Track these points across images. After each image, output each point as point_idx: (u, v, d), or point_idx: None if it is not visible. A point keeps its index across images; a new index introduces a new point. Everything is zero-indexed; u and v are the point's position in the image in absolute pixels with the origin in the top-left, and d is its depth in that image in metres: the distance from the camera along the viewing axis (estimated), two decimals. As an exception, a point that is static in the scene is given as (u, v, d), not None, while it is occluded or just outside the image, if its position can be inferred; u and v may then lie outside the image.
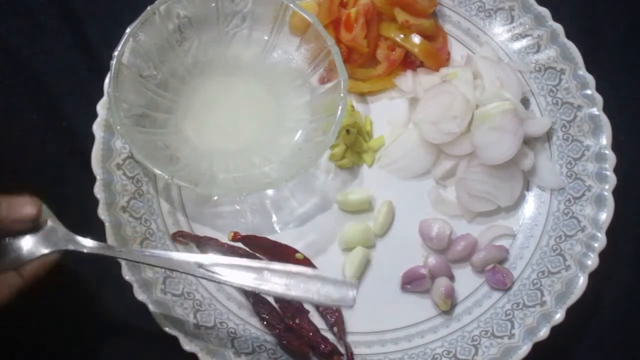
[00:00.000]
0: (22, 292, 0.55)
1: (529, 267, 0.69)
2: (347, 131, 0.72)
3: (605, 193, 0.70)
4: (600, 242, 0.68)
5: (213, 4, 0.70)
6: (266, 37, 0.72)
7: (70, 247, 0.57)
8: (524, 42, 0.77)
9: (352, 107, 0.75)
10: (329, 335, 0.65)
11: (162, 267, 0.59)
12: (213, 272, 0.57)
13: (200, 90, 0.71)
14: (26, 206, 0.54)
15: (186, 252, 0.67)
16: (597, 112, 0.73)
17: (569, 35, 0.75)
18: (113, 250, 0.60)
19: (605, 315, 0.70)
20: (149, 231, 0.68)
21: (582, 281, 0.66)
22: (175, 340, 0.63)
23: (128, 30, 0.66)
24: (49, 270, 0.56)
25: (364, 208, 0.71)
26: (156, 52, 0.69)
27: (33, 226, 0.54)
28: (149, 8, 0.67)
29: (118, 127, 0.64)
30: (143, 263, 0.59)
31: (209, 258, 0.58)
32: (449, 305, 0.67)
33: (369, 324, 0.67)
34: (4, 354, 0.63)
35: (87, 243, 0.58)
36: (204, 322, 0.65)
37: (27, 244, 0.55)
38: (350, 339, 0.66)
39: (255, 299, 0.66)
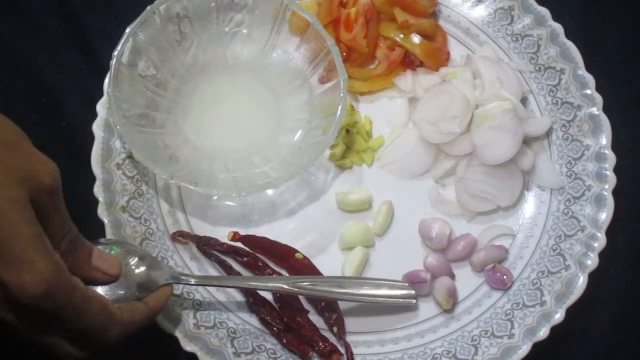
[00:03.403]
0: (150, 320, 0.58)
1: (529, 267, 0.69)
2: (347, 131, 0.72)
3: (605, 193, 0.70)
4: (600, 242, 0.68)
5: (213, 4, 0.70)
6: (266, 37, 0.72)
7: (175, 279, 0.61)
8: (524, 42, 0.77)
9: (352, 107, 0.75)
10: (329, 335, 0.65)
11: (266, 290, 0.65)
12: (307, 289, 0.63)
13: (200, 90, 0.71)
14: (113, 266, 0.56)
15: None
16: (597, 112, 0.73)
17: (569, 35, 0.75)
18: (219, 280, 0.64)
19: (605, 315, 0.70)
20: (149, 231, 0.68)
21: (582, 281, 0.66)
22: (175, 340, 0.63)
23: (128, 30, 0.66)
24: (168, 300, 0.59)
25: (364, 208, 0.71)
26: (156, 52, 0.69)
27: (109, 282, 0.56)
28: (149, 8, 0.67)
29: (118, 127, 0.64)
30: (248, 288, 0.65)
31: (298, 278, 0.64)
32: (451, 305, 0.67)
33: (369, 324, 0.67)
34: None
35: (192, 279, 0.62)
36: (204, 322, 0.65)
37: (143, 278, 0.58)
38: (350, 339, 0.66)
39: (255, 299, 0.66)
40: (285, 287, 0.62)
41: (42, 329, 0.51)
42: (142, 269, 0.58)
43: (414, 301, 0.65)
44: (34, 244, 0.46)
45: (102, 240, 0.60)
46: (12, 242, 0.46)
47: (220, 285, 0.64)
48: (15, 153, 0.49)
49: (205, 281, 0.64)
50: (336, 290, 0.63)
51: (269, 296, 0.67)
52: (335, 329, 0.65)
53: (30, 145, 0.51)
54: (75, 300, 0.49)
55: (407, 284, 0.66)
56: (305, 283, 0.63)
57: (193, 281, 0.62)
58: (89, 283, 0.53)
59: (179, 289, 0.65)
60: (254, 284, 0.63)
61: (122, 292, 0.56)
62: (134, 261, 0.58)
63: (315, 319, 0.66)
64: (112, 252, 0.57)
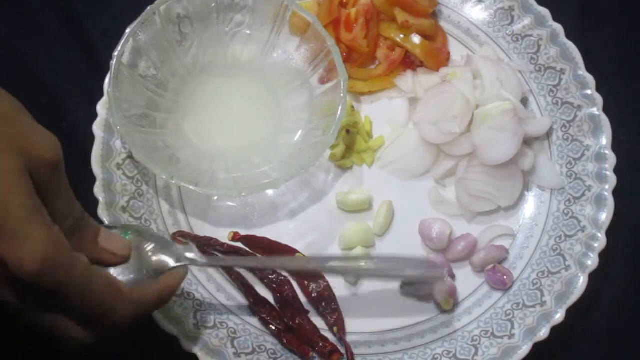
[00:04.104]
0: (163, 301, 0.55)
1: (529, 267, 0.69)
2: (347, 131, 0.72)
3: (605, 193, 0.70)
4: (600, 242, 0.68)
5: (213, 4, 0.70)
6: (266, 37, 0.72)
7: (188, 260, 0.58)
8: (524, 42, 0.77)
9: (352, 107, 0.75)
10: (329, 335, 0.65)
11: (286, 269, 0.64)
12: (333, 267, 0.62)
13: (200, 90, 0.71)
14: (122, 247, 0.53)
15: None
16: (597, 112, 0.73)
17: (569, 35, 0.75)
18: (234, 260, 0.63)
19: (605, 315, 0.70)
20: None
21: (582, 281, 0.66)
22: (175, 340, 0.63)
23: (128, 30, 0.66)
24: (181, 281, 0.56)
25: (364, 208, 0.71)
26: (156, 52, 0.69)
27: (117, 263, 0.54)
28: (149, 8, 0.67)
29: (118, 127, 0.64)
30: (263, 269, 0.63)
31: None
32: (451, 305, 0.67)
33: (369, 324, 0.67)
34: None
35: (203, 259, 0.59)
36: (204, 322, 0.65)
37: (160, 264, 0.56)
38: (350, 339, 0.66)
39: (255, 299, 0.66)
40: (308, 266, 0.61)
41: (45, 310, 0.48)
42: (160, 255, 0.56)
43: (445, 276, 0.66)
44: (29, 216, 0.44)
45: (118, 225, 0.59)
46: (5, 215, 0.43)
47: (236, 264, 0.62)
48: (13, 125, 0.47)
49: (217, 261, 0.61)
50: (368, 266, 0.63)
51: (269, 296, 0.67)
52: (335, 329, 0.65)
53: (30, 119, 0.48)
54: (75, 275, 0.46)
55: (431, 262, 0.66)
56: (335, 262, 0.62)
57: (206, 261, 0.60)
58: (97, 264, 0.51)
59: (178, 289, 0.65)
60: (271, 264, 0.62)
61: (133, 276, 0.53)
62: (150, 247, 0.56)
63: (315, 319, 0.66)
64: (126, 237, 0.55)
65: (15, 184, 0.44)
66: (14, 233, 0.44)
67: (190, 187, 0.63)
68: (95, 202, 0.66)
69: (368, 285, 0.69)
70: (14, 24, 0.79)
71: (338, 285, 0.68)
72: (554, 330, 0.65)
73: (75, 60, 0.78)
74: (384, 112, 0.76)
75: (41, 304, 0.48)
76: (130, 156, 0.69)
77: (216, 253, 0.68)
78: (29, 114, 0.49)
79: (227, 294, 0.67)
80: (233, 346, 0.64)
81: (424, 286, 0.67)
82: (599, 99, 0.73)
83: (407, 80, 0.76)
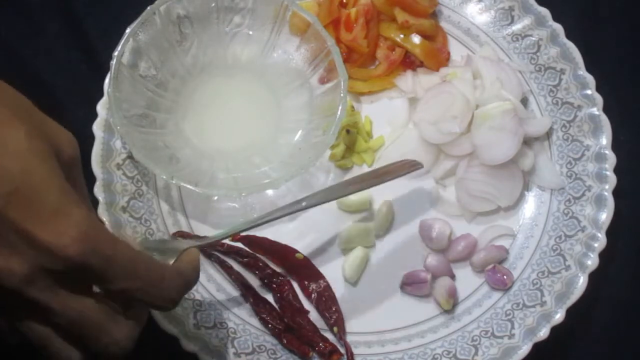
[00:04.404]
0: (195, 270, 0.52)
1: (529, 267, 0.69)
2: (347, 131, 0.72)
3: (605, 193, 0.70)
4: (600, 242, 0.68)
5: (213, 4, 0.70)
6: (266, 37, 0.72)
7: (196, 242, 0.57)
8: (524, 42, 0.77)
9: (352, 107, 0.75)
10: (329, 335, 0.65)
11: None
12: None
13: (200, 90, 0.71)
14: (133, 243, 0.50)
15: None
16: (597, 112, 0.73)
17: (569, 35, 0.75)
18: (239, 226, 0.61)
19: (605, 315, 0.70)
20: (149, 231, 0.68)
21: (582, 281, 0.66)
22: (175, 340, 0.63)
23: (128, 30, 0.66)
24: (198, 261, 0.53)
25: (364, 208, 0.71)
26: (156, 52, 0.69)
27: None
28: (149, 8, 0.67)
29: (118, 127, 0.64)
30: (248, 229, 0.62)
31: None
32: (451, 305, 0.67)
33: (369, 324, 0.67)
34: None
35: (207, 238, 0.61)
36: (204, 322, 0.65)
37: (167, 247, 0.55)
38: (350, 339, 0.66)
39: (255, 298, 0.66)
40: (304, 203, 0.62)
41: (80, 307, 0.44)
42: (168, 245, 0.56)
43: (422, 166, 0.68)
44: (68, 196, 0.43)
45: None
46: (45, 195, 0.42)
47: (243, 229, 0.62)
48: (37, 116, 0.46)
49: (223, 235, 0.61)
50: (351, 187, 0.64)
51: (269, 296, 0.67)
52: (335, 329, 0.65)
53: (46, 116, 0.48)
54: (122, 250, 0.44)
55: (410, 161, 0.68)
56: (318, 196, 0.63)
57: (211, 240, 0.60)
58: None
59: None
60: (268, 218, 0.61)
61: None
62: (155, 246, 0.55)
63: (315, 319, 0.66)
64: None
65: (50, 165, 0.43)
66: (55, 213, 0.42)
67: (190, 187, 0.63)
68: (95, 202, 0.66)
69: (368, 285, 0.69)
70: (14, 24, 0.79)
71: (338, 285, 0.68)
72: (554, 330, 0.65)
73: (75, 60, 0.78)
74: (384, 112, 0.76)
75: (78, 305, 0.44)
76: (130, 156, 0.69)
77: (216, 253, 0.68)
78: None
79: (227, 294, 0.67)
80: (233, 346, 0.64)
81: (424, 286, 0.67)
82: (599, 99, 0.73)
83: (407, 80, 0.76)
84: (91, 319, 0.45)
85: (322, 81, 0.70)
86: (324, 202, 0.63)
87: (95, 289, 0.46)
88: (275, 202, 0.71)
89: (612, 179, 0.70)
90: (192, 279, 0.51)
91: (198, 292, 0.66)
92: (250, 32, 0.72)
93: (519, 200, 0.72)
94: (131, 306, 0.48)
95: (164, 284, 0.47)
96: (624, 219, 0.72)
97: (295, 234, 0.70)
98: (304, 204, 0.62)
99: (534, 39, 0.77)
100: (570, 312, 0.66)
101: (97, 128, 0.69)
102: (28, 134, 0.44)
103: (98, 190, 0.67)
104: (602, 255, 0.68)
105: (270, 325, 0.65)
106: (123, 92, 0.65)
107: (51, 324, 0.44)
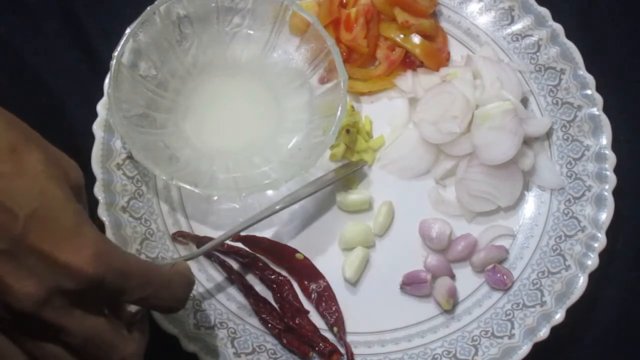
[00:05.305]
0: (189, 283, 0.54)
1: (529, 267, 0.69)
2: (347, 131, 0.72)
3: (605, 193, 0.70)
4: (600, 242, 0.68)
5: (213, 4, 0.70)
6: (266, 37, 0.72)
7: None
8: (524, 42, 0.77)
9: (352, 107, 0.75)
10: (329, 335, 0.65)
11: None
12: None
13: (200, 90, 0.71)
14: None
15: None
16: (597, 112, 0.73)
17: (569, 35, 0.75)
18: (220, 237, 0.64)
19: (605, 315, 0.70)
20: (149, 231, 0.68)
21: (582, 281, 0.66)
22: (175, 340, 0.63)
23: (128, 30, 0.66)
24: (189, 272, 0.55)
25: (364, 208, 0.71)
26: (156, 52, 0.69)
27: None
28: (149, 8, 0.67)
29: (118, 127, 0.64)
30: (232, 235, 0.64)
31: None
32: (451, 305, 0.67)
33: (369, 324, 0.67)
34: None
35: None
36: (204, 322, 0.65)
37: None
38: (350, 339, 0.66)
39: (255, 298, 0.66)
40: (277, 207, 0.65)
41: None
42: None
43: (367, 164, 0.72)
44: (82, 217, 0.45)
45: None
46: (62, 217, 0.43)
47: (222, 240, 0.64)
48: (48, 146, 0.48)
49: (204, 247, 0.63)
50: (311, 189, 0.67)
51: (269, 296, 0.67)
52: (335, 329, 0.65)
53: (49, 144, 0.50)
54: (134, 263, 0.46)
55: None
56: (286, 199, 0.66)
57: (197, 253, 0.63)
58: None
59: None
60: (243, 227, 0.64)
61: None
62: None
63: (315, 319, 0.66)
64: None
65: (64, 189, 0.45)
66: (71, 233, 0.43)
67: (190, 187, 0.63)
68: (95, 202, 0.66)
69: (368, 285, 0.69)
70: (14, 24, 0.79)
71: (338, 285, 0.68)
72: (554, 330, 0.65)
73: (75, 60, 0.78)
74: (384, 112, 0.76)
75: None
76: (130, 156, 0.69)
77: (216, 253, 0.68)
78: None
79: (227, 294, 0.67)
80: (233, 346, 0.64)
81: (424, 286, 0.67)
82: (599, 99, 0.73)
83: (407, 80, 0.76)
84: (103, 338, 0.46)
85: (322, 81, 0.70)
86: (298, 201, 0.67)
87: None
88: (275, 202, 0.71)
89: (612, 179, 0.70)
90: (191, 278, 0.54)
91: (198, 292, 0.66)
92: (250, 32, 0.72)
93: (519, 200, 0.72)
94: (135, 322, 0.50)
95: (172, 286, 0.50)
96: (624, 219, 0.72)
97: (295, 234, 0.70)
98: (277, 207, 0.65)
99: (534, 39, 0.77)
100: (570, 312, 0.66)
101: (97, 128, 0.69)
102: (44, 158, 0.45)
103: (98, 190, 0.67)
104: (602, 255, 0.68)
105: (270, 325, 0.65)
106: (123, 92, 0.65)
107: (63, 344, 0.45)
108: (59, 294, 0.43)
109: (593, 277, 0.67)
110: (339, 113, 0.66)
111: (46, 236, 0.43)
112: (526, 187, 0.73)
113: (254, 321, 0.66)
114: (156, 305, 0.50)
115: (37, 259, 0.43)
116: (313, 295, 0.67)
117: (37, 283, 0.43)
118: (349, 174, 0.71)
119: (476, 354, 0.65)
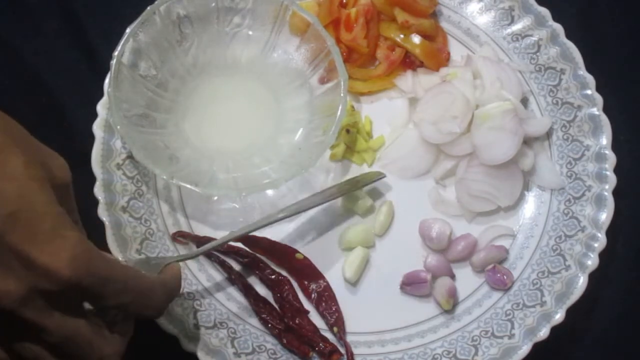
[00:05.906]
0: (175, 289, 0.56)
1: (529, 267, 0.69)
2: (347, 131, 0.72)
3: (605, 193, 0.70)
4: (600, 242, 0.68)
5: (213, 4, 0.70)
6: (266, 37, 0.72)
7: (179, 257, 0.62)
8: (524, 42, 0.77)
9: (352, 107, 0.75)
10: (329, 335, 0.65)
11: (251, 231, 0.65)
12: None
13: (200, 90, 0.71)
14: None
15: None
16: (597, 112, 0.73)
17: (569, 35, 0.75)
18: (216, 242, 0.64)
19: (605, 315, 0.70)
20: (149, 231, 0.68)
21: (582, 281, 0.66)
22: (175, 340, 0.63)
23: (128, 30, 0.66)
24: (180, 274, 0.58)
25: (364, 208, 0.71)
26: (156, 52, 0.69)
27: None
28: (149, 8, 0.67)
29: (118, 127, 0.64)
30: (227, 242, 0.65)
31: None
32: (451, 305, 0.67)
33: (369, 324, 0.67)
34: None
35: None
36: (204, 322, 0.65)
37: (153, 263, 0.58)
38: (350, 339, 0.66)
39: (255, 299, 0.66)
40: (278, 215, 0.65)
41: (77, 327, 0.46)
42: (151, 262, 0.58)
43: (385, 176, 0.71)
44: (63, 219, 0.45)
45: None
46: (41, 219, 0.44)
47: (221, 242, 0.64)
48: (32, 143, 0.48)
49: (202, 250, 0.64)
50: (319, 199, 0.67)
51: (269, 296, 0.67)
52: (335, 329, 0.65)
53: (39, 142, 0.50)
54: (115, 268, 0.47)
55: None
56: (292, 207, 0.67)
57: (192, 254, 0.64)
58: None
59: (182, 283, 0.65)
60: (245, 232, 0.64)
61: None
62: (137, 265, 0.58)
63: (315, 319, 0.66)
64: None
65: (45, 191, 0.45)
66: (50, 235, 0.44)
67: (190, 187, 0.62)
68: (95, 202, 0.66)
69: (368, 285, 0.69)
70: (14, 24, 0.79)
71: (338, 285, 0.68)
72: (554, 330, 0.65)
73: (75, 60, 0.78)
74: (384, 112, 0.76)
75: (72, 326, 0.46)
76: (130, 156, 0.69)
77: (216, 253, 0.68)
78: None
79: (227, 294, 0.67)
80: (233, 346, 0.64)
81: (424, 286, 0.67)
82: (599, 99, 0.73)
83: (407, 80, 0.76)
84: (83, 337, 0.46)
85: (322, 81, 0.70)
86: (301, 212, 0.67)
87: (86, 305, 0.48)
88: (275, 202, 0.71)
89: (612, 179, 0.70)
90: (175, 288, 0.56)
91: (198, 292, 0.66)
92: (250, 32, 0.72)
93: (519, 200, 0.72)
94: (116, 322, 0.50)
95: (152, 295, 0.51)
96: (624, 219, 0.72)
97: (295, 234, 0.70)
98: (280, 215, 0.66)
99: (534, 39, 0.77)
100: (570, 312, 0.66)
101: (97, 128, 0.69)
102: (25, 160, 0.45)
103: (98, 190, 0.67)
104: (602, 255, 0.68)
105: (270, 325, 0.65)
106: (123, 92, 0.65)
107: (43, 343, 0.46)
108: (38, 293, 0.44)
109: (593, 277, 0.67)
110: (339, 113, 0.66)
111: (25, 237, 0.43)
112: (526, 187, 0.73)
113: (254, 321, 0.66)
114: (134, 312, 0.50)
115: (16, 259, 0.43)
116: (313, 295, 0.67)
117: (17, 282, 0.43)
118: (359, 188, 0.70)
119: (476, 354, 0.65)
